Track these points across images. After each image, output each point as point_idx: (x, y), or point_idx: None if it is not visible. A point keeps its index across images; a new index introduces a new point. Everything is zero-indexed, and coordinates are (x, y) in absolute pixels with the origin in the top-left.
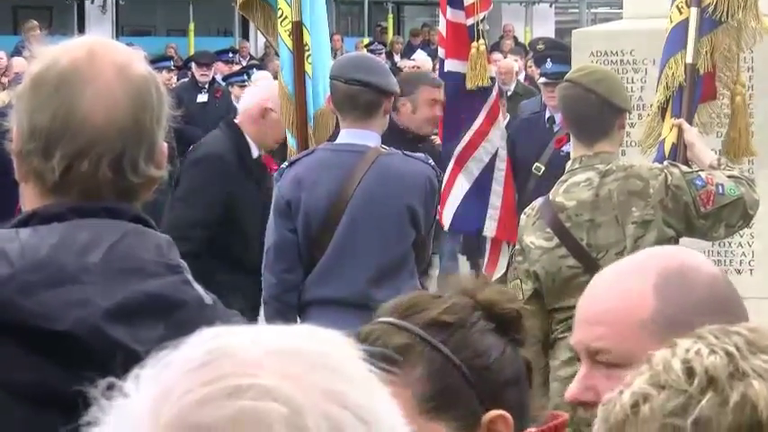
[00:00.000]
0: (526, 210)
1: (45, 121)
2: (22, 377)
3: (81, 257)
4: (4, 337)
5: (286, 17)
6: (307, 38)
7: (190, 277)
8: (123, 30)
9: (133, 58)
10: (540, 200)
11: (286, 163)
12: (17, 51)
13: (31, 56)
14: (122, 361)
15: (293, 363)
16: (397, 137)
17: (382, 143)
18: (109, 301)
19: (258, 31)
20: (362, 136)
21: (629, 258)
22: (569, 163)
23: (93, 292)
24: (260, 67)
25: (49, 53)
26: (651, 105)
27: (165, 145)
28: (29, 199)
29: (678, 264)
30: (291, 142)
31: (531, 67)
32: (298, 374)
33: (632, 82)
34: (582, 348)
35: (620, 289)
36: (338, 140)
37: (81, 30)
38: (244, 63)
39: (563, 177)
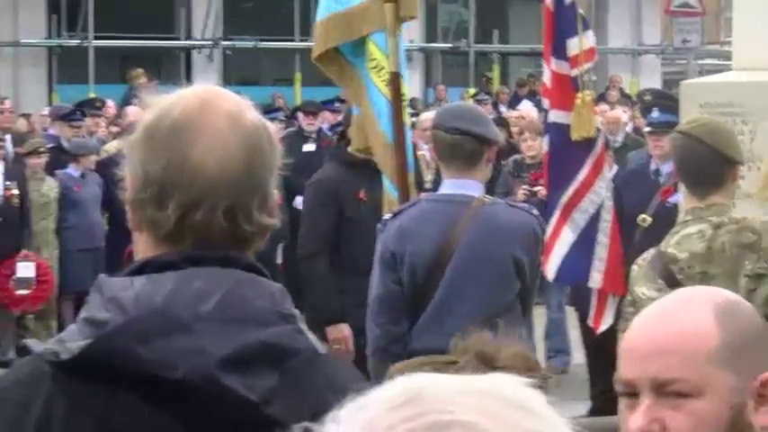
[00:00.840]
0: (638, 260)
1: (158, 170)
2: (136, 428)
3: (195, 306)
4: (119, 386)
5: (383, 67)
6: (404, 88)
7: (303, 326)
8: (230, 79)
9: (245, 106)
10: (651, 251)
11: (390, 214)
12: (125, 100)
13: (144, 105)
14: (237, 410)
15: (488, 401)
16: (355, 170)
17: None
18: (223, 349)
19: None
20: (465, 186)
21: (673, 295)
22: (681, 214)
23: (208, 341)
24: None
25: (161, 102)
26: (761, 158)
27: (277, 193)
28: (142, 247)
29: (725, 297)
30: (392, 191)
31: (638, 117)
32: (495, 412)
33: (742, 134)
34: (644, 382)
35: (682, 321)
36: (441, 191)
37: (188, 79)
38: None
39: (674, 229)
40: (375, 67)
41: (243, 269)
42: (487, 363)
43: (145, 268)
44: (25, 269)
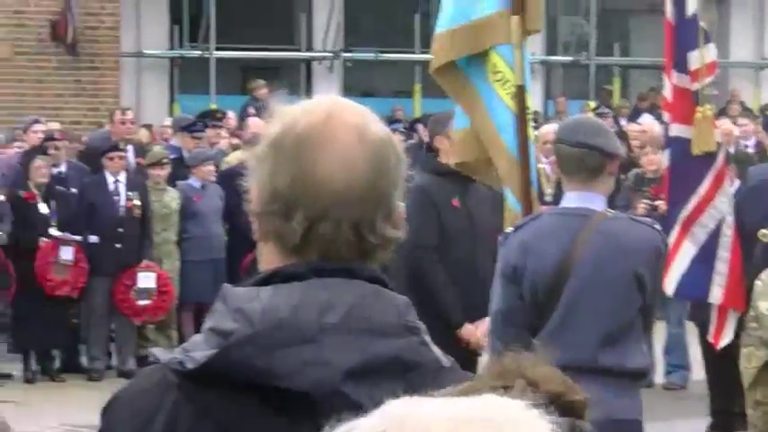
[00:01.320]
0: (761, 275)
1: (285, 183)
2: None
3: (321, 318)
4: (246, 397)
5: (508, 80)
6: (529, 101)
7: (428, 339)
8: (350, 90)
9: (370, 119)
10: None
11: (511, 228)
12: (245, 111)
13: (269, 116)
14: None
15: (462, 429)
16: (447, 179)
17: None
18: (348, 361)
19: None
20: (587, 199)
21: None
22: None
23: (333, 353)
24: None
25: (287, 114)
26: None
27: (402, 205)
28: (268, 259)
29: None
30: (515, 205)
31: (760, 132)
32: None
33: None
34: None
35: None
36: (563, 204)
37: (308, 90)
38: None
39: None
40: (500, 80)
41: (368, 281)
42: (533, 386)
43: (271, 279)
44: (146, 279)
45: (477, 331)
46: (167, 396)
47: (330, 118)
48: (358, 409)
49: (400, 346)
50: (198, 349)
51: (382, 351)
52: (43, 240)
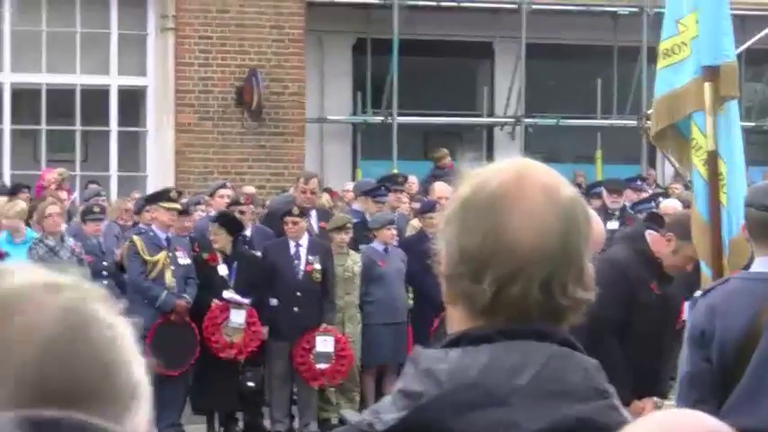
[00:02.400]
0: None
1: (475, 244)
2: None
3: (510, 380)
4: None
5: (701, 147)
6: (722, 167)
7: (617, 402)
8: (531, 156)
9: (560, 180)
10: None
11: (700, 292)
12: (428, 178)
13: (459, 178)
14: None
15: None
16: (649, 265)
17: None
18: (537, 424)
19: (666, 160)
20: None
21: None
22: None
23: (522, 415)
24: (666, 196)
25: (476, 176)
26: None
27: (592, 267)
28: (457, 321)
29: None
30: (706, 271)
31: None
32: None
33: None
34: None
35: None
36: (753, 268)
37: (490, 156)
38: (650, 191)
39: None
40: (694, 147)
41: (557, 343)
42: None
43: (460, 341)
44: (324, 343)
45: (643, 409)
46: None
47: (520, 178)
48: None
49: (590, 410)
50: (387, 411)
51: (572, 414)
52: (215, 302)
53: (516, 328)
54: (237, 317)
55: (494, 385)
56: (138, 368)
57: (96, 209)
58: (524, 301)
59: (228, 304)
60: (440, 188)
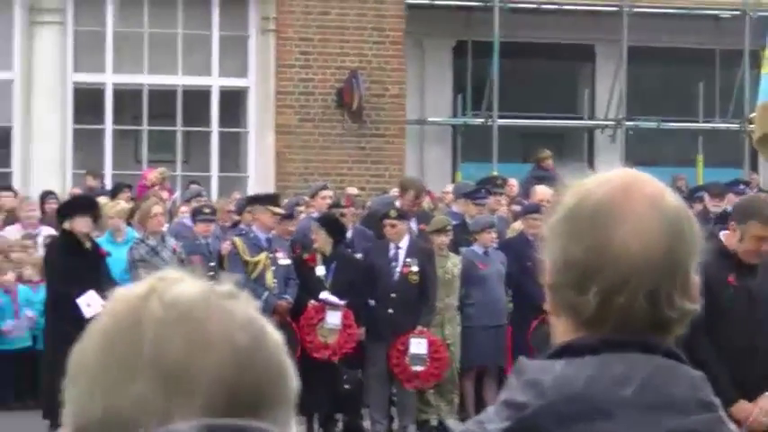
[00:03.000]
0: None
1: (580, 254)
2: None
3: (615, 391)
4: None
5: None
6: None
7: (724, 415)
8: (631, 159)
9: (665, 190)
10: None
11: None
12: (528, 179)
13: (562, 188)
14: None
15: None
16: (725, 259)
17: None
18: None
19: None
20: None
21: None
22: None
23: (627, 428)
24: None
25: (581, 186)
26: None
27: (698, 278)
28: (561, 331)
29: None
30: None
31: None
32: None
33: None
34: None
35: None
36: None
37: (590, 158)
38: None
39: None
40: None
41: (663, 355)
42: None
43: (564, 352)
44: (419, 346)
45: (754, 408)
46: None
47: (627, 189)
48: None
49: (696, 422)
50: (491, 422)
51: (677, 427)
52: (311, 303)
53: (621, 339)
54: (333, 318)
55: (598, 397)
56: (294, 373)
57: (207, 209)
58: (630, 312)
59: (324, 305)
60: (541, 191)
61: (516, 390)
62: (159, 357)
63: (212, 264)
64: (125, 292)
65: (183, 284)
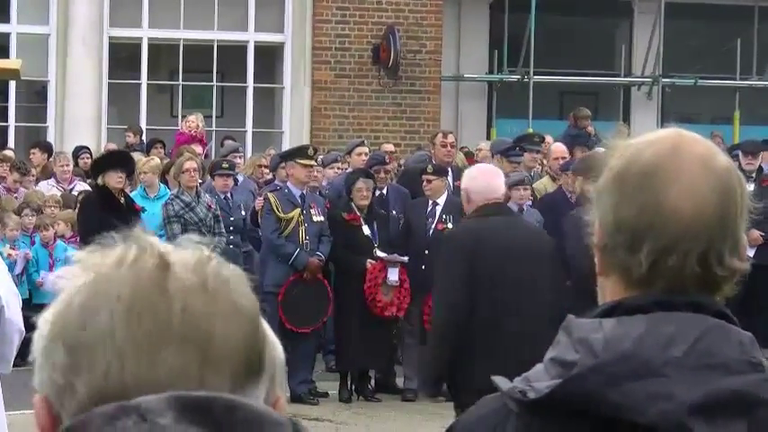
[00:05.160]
0: None
1: (631, 215)
2: None
3: (665, 351)
4: (588, 429)
5: None
6: None
7: None
8: (668, 116)
9: (715, 150)
10: None
11: None
12: (566, 138)
13: (609, 149)
14: None
15: None
16: None
17: None
18: (692, 396)
19: None
20: None
21: None
22: None
23: (677, 387)
24: None
25: (629, 147)
26: None
27: (746, 237)
28: (610, 291)
29: None
30: None
31: None
32: None
33: None
34: None
35: None
36: None
37: (626, 116)
38: None
39: None
40: None
41: (713, 315)
42: None
43: (614, 311)
44: None
45: None
46: (507, 425)
47: (676, 149)
48: None
49: (744, 383)
50: (540, 379)
51: (726, 386)
52: (370, 262)
53: (672, 299)
54: (393, 275)
55: (649, 356)
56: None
57: (225, 164)
58: (681, 272)
59: (384, 263)
60: (557, 149)
61: (565, 348)
62: (190, 327)
63: (232, 218)
64: (101, 258)
65: (185, 252)
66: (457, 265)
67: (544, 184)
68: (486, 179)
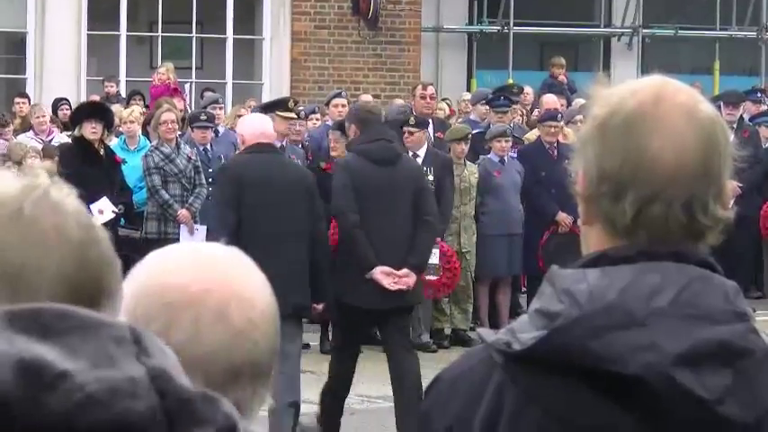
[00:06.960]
0: None
1: (615, 165)
2: (585, 420)
3: (649, 301)
4: (573, 381)
5: None
6: None
7: (756, 325)
8: (648, 67)
9: (698, 98)
10: None
11: None
12: (544, 87)
13: (590, 98)
14: (689, 408)
15: None
16: None
17: None
18: (677, 346)
19: None
20: None
21: None
22: None
23: (661, 337)
24: None
25: (611, 96)
26: None
27: (731, 185)
28: (595, 241)
29: None
30: None
31: None
32: None
33: None
34: None
35: None
36: None
37: (606, 66)
38: None
39: None
40: None
41: (697, 265)
42: None
43: (599, 261)
44: (432, 256)
45: None
46: (492, 377)
47: (659, 98)
48: (686, 394)
49: (729, 332)
50: (525, 331)
51: (711, 336)
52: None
53: (656, 249)
54: None
55: (633, 306)
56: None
57: (203, 116)
58: (665, 221)
59: None
60: (548, 99)
61: (550, 299)
62: None
63: (210, 170)
64: None
65: (4, 181)
66: (228, 190)
67: (533, 134)
68: (258, 124)
